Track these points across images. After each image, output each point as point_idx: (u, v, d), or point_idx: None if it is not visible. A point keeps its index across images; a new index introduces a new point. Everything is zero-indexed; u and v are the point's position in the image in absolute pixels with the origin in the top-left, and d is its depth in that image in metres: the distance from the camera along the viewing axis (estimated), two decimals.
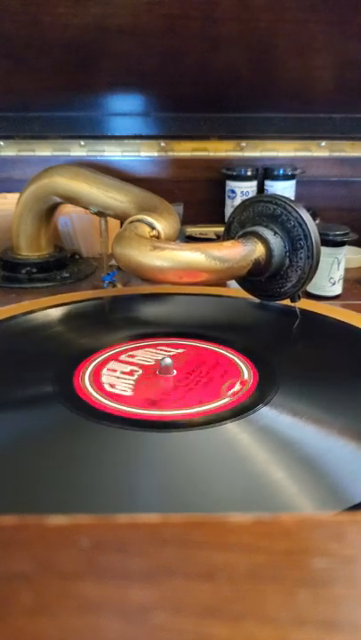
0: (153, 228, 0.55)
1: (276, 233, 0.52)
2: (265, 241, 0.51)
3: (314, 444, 0.36)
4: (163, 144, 0.88)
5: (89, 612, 0.14)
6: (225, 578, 0.15)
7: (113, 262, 0.70)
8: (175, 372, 0.44)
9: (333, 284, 0.64)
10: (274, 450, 0.35)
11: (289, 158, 0.88)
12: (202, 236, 0.82)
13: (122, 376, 0.44)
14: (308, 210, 0.53)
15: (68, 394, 0.41)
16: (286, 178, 0.83)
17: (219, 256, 0.48)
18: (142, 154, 0.88)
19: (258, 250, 0.51)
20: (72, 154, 0.87)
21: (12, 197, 0.75)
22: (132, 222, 0.55)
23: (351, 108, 0.86)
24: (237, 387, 0.42)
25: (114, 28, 0.73)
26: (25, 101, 0.84)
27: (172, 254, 0.47)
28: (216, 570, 0.16)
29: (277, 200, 0.52)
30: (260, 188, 0.85)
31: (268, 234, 0.51)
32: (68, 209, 0.76)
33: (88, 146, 0.88)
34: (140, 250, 0.48)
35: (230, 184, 0.84)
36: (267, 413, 0.39)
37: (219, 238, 0.80)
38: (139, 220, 0.55)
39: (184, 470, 0.34)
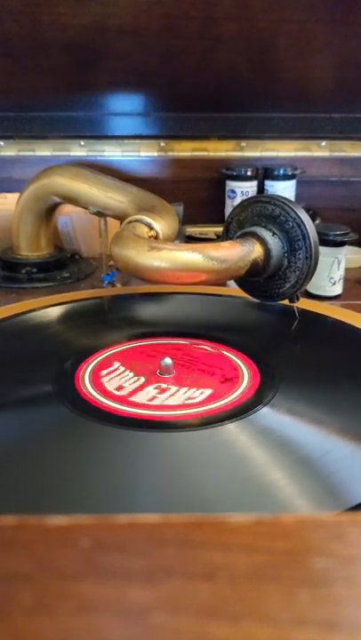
0: (151, 228, 0.55)
1: (274, 234, 0.52)
2: (263, 241, 0.51)
3: (314, 444, 0.36)
4: (163, 144, 0.88)
5: (89, 611, 0.14)
6: (225, 578, 0.15)
7: (112, 262, 0.70)
8: (175, 372, 0.44)
9: (334, 283, 0.64)
10: (274, 450, 0.35)
11: (289, 158, 0.88)
12: (202, 236, 0.82)
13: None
14: (307, 210, 0.53)
15: (68, 394, 0.41)
16: (286, 178, 0.83)
17: (216, 256, 0.48)
18: (142, 154, 0.88)
19: (256, 250, 0.51)
20: (72, 154, 0.87)
21: (12, 197, 0.75)
22: (130, 222, 0.55)
23: (351, 107, 0.86)
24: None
25: (114, 28, 0.73)
26: (25, 101, 0.84)
27: (169, 255, 0.47)
28: (216, 570, 0.16)
29: (276, 200, 0.52)
30: (261, 188, 0.85)
31: (266, 234, 0.51)
32: (67, 209, 0.76)
33: (88, 146, 0.88)
34: (138, 250, 0.48)
35: (230, 184, 0.84)
36: (266, 414, 0.39)
37: (219, 238, 0.80)
38: (137, 220, 0.55)
39: (184, 470, 0.34)
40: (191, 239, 0.81)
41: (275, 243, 0.51)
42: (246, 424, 0.37)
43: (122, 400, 0.40)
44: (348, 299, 0.65)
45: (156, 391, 0.41)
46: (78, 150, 0.87)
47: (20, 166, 0.86)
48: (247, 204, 0.54)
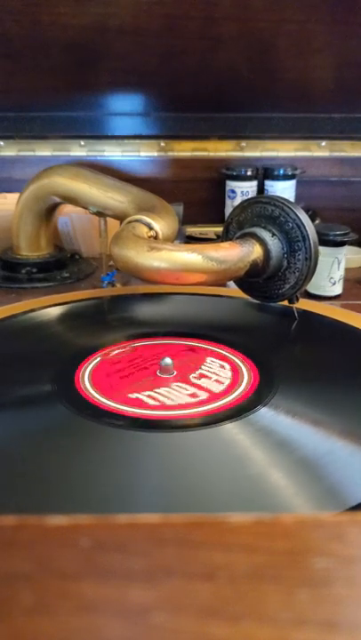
0: (151, 228, 0.55)
1: (274, 234, 0.52)
2: (263, 242, 0.51)
3: (313, 445, 0.36)
4: (163, 144, 0.88)
5: (89, 611, 0.14)
6: (225, 578, 0.15)
7: (112, 262, 0.70)
8: (175, 372, 0.44)
9: (334, 283, 0.64)
10: (273, 450, 0.35)
11: (289, 158, 0.88)
12: (202, 236, 0.82)
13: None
14: (307, 210, 0.53)
15: (68, 393, 0.41)
16: (286, 178, 0.83)
17: (216, 257, 0.48)
18: (142, 154, 0.88)
19: (255, 251, 0.51)
20: (72, 154, 0.87)
21: (12, 197, 0.75)
22: (129, 222, 0.55)
23: (351, 107, 0.86)
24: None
25: (114, 28, 0.73)
26: (25, 101, 0.84)
27: (168, 255, 0.47)
28: (216, 570, 0.16)
29: (275, 201, 0.52)
30: (261, 188, 0.85)
31: (265, 235, 0.51)
32: (67, 209, 0.76)
33: (88, 146, 0.88)
34: (137, 250, 0.48)
35: (230, 184, 0.84)
36: (266, 414, 0.39)
37: (219, 238, 0.80)
38: (137, 221, 0.55)
39: (184, 470, 0.34)
40: (191, 239, 0.81)
41: (274, 244, 0.51)
42: (246, 424, 0.37)
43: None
44: (348, 299, 0.65)
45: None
46: (78, 150, 0.87)
47: (20, 166, 0.86)
48: (247, 204, 0.54)
